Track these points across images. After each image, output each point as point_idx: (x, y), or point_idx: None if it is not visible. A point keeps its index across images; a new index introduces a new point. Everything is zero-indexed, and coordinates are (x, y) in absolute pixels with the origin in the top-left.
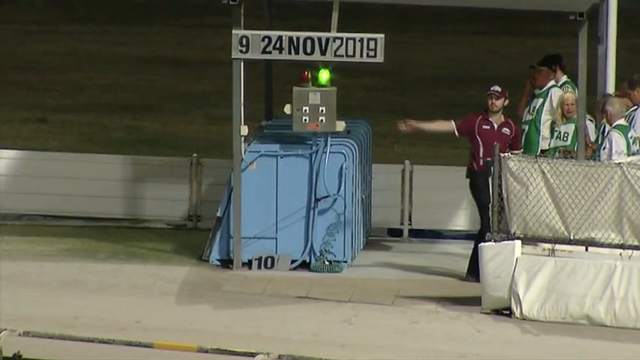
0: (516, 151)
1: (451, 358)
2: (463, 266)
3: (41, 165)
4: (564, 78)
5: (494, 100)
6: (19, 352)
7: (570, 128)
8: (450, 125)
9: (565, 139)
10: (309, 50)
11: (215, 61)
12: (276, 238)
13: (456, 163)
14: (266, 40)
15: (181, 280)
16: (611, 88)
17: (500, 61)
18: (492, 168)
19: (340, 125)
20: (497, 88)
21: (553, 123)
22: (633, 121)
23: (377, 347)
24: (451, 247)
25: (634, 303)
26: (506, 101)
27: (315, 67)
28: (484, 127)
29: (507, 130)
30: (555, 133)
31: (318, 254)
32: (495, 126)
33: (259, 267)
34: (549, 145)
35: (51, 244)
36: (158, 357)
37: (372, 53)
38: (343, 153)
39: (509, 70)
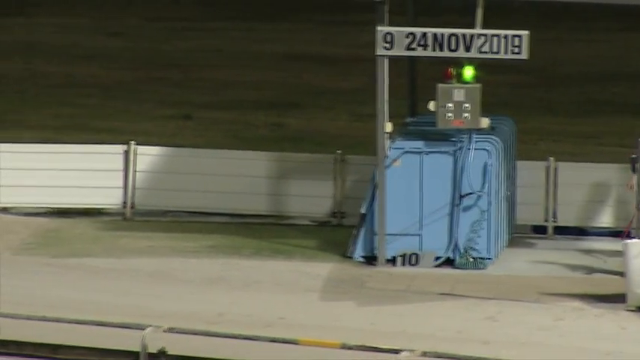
0: None
1: (595, 356)
2: (608, 263)
3: (186, 162)
4: None
5: None
6: (164, 347)
7: None
8: None
9: None
10: (453, 47)
11: (360, 58)
12: (420, 235)
13: (600, 160)
14: (410, 36)
15: (325, 276)
16: None
17: None
18: (635, 165)
19: (484, 122)
20: None
21: None
22: None
23: (521, 344)
24: (596, 244)
25: None
26: None
27: (460, 63)
28: None
29: None
30: None
31: (462, 251)
32: None
33: (403, 264)
34: None
35: (195, 241)
36: (302, 353)
37: (516, 50)
38: (487, 150)
39: None
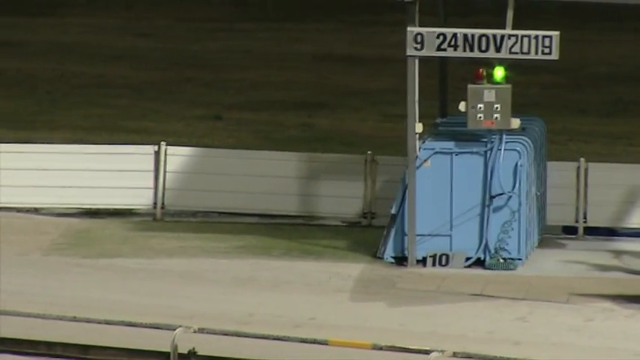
0: None
1: (626, 357)
2: (639, 264)
3: (216, 162)
4: None
5: None
6: (194, 348)
7: None
8: None
9: None
10: (483, 47)
11: (390, 59)
12: (451, 236)
13: (631, 160)
14: (441, 37)
15: (356, 277)
16: None
17: None
18: None
19: (515, 122)
20: None
21: None
22: None
23: (551, 345)
24: (626, 245)
25: None
26: None
27: (490, 64)
28: None
29: None
30: None
31: (493, 252)
32: None
33: (434, 264)
34: None
35: (225, 241)
36: (332, 354)
37: (547, 50)
38: (518, 150)
39: None
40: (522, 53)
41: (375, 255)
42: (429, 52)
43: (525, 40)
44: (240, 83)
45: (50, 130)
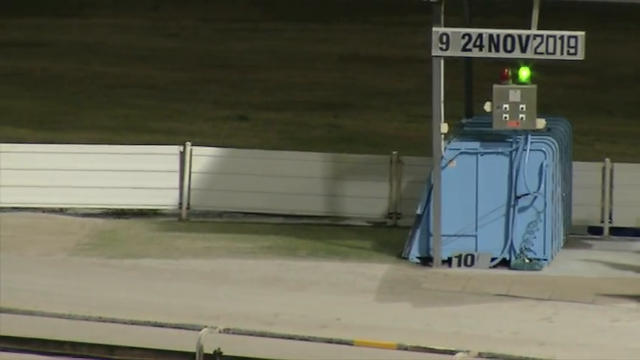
0: None
1: None
2: None
3: (242, 162)
4: None
5: None
6: (219, 349)
7: None
8: None
9: None
10: (509, 48)
11: (415, 59)
12: (476, 236)
13: None
14: (466, 37)
15: (381, 277)
16: None
17: None
18: None
19: (540, 123)
20: None
21: None
22: None
23: (577, 345)
24: None
25: None
26: None
27: (515, 64)
28: None
29: None
30: None
31: (518, 252)
32: None
33: (459, 264)
34: None
35: (251, 242)
36: (358, 354)
37: (572, 51)
38: (543, 151)
39: None
40: (548, 53)
41: (401, 255)
42: (454, 52)
43: (551, 40)
44: (266, 83)
45: (76, 131)
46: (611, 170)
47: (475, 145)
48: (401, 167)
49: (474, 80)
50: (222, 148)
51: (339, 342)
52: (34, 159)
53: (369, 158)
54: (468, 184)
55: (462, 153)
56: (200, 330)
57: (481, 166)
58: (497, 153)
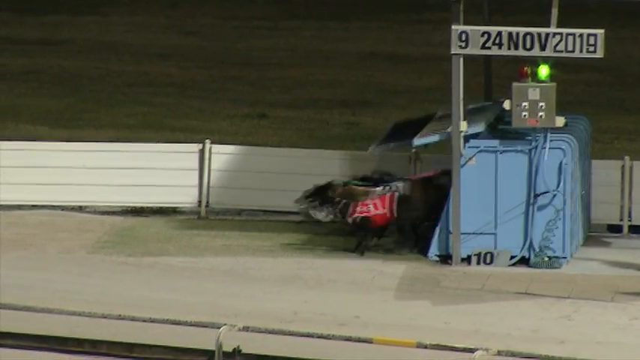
0: None
1: None
2: None
3: (261, 160)
4: None
5: None
6: (238, 346)
7: None
8: None
9: None
10: (528, 46)
11: (434, 57)
12: (495, 234)
13: None
14: (485, 35)
15: (400, 275)
16: None
17: None
18: None
19: (560, 121)
20: None
21: None
22: None
23: (596, 343)
24: None
25: None
26: None
27: (535, 62)
28: None
29: None
30: None
31: (538, 250)
32: None
33: (478, 262)
34: None
35: (270, 239)
36: (377, 352)
37: (591, 48)
38: (562, 149)
39: None
40: (567, 51)
41: (420, 253)
42: (473, 50)
43: (570, 38)
44: (285, 81)
45: (95, 129)
46: (631, 168)
47: (494, 143)
48: (420, 165)
49: (494, 78)
50: (241, 146)
51: (358, 340)
52: (53, 157)
53: (388, 156)
54: (487, 182)
55: (481, 151)
56: (219, 328)
57: (500, 164)
58: (517, 151)
